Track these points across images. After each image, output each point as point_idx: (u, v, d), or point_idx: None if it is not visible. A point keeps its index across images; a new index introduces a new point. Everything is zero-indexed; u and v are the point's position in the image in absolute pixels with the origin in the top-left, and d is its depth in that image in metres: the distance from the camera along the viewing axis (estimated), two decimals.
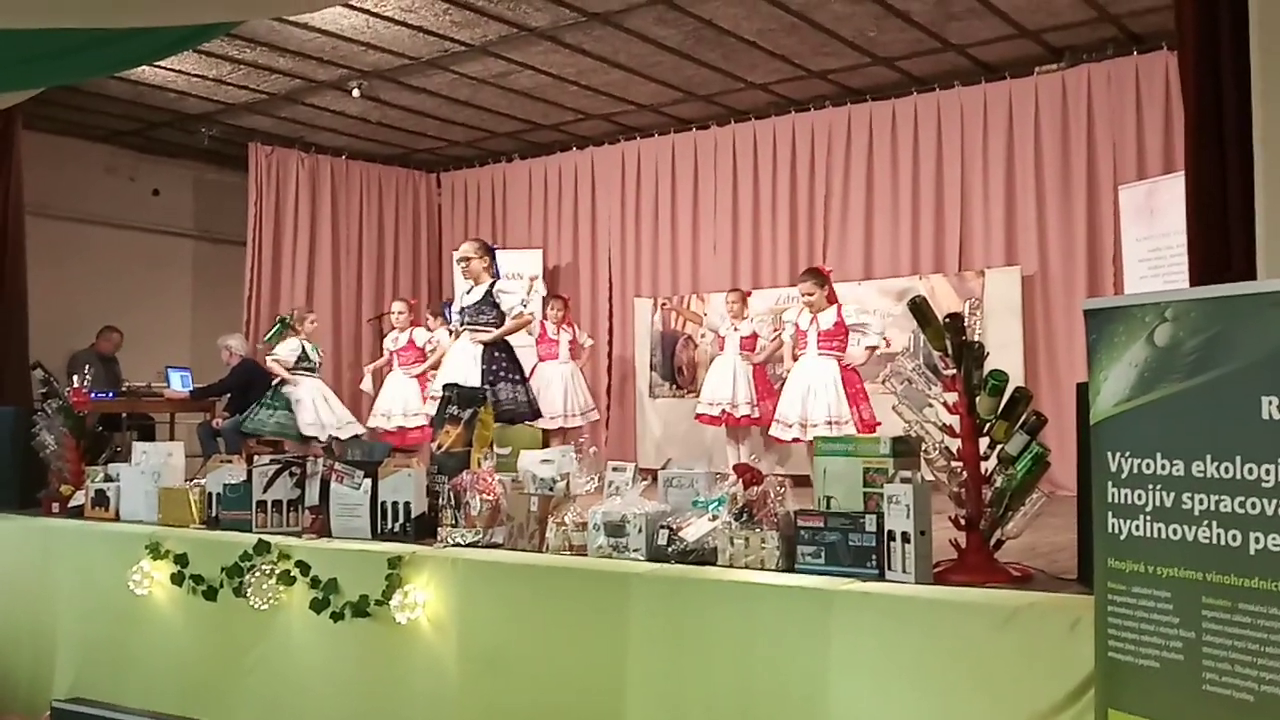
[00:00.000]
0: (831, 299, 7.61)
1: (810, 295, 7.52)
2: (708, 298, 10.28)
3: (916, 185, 9.52)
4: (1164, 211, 7.58)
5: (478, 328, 6.76)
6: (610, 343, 11.03)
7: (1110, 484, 2.39)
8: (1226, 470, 2.17)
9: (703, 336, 10.13)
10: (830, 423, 7.13)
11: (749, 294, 9.25)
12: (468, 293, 6.93)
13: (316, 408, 8.83)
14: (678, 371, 10.44)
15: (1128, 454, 2.35)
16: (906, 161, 9.56)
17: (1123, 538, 2.37)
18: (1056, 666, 2.77)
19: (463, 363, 6.71)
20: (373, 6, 7.71)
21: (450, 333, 7.81)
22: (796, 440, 7.38)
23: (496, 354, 6.75)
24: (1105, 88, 8.67)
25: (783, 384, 7.96)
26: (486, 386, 6.48)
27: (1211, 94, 3.87)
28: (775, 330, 8.72)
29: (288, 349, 8.93)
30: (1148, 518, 2.31)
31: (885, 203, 9.66)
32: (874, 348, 7.49)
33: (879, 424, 7.05)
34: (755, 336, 8.79)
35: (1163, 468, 2.28)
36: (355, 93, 9.45)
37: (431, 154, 11.94)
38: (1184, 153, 4.11)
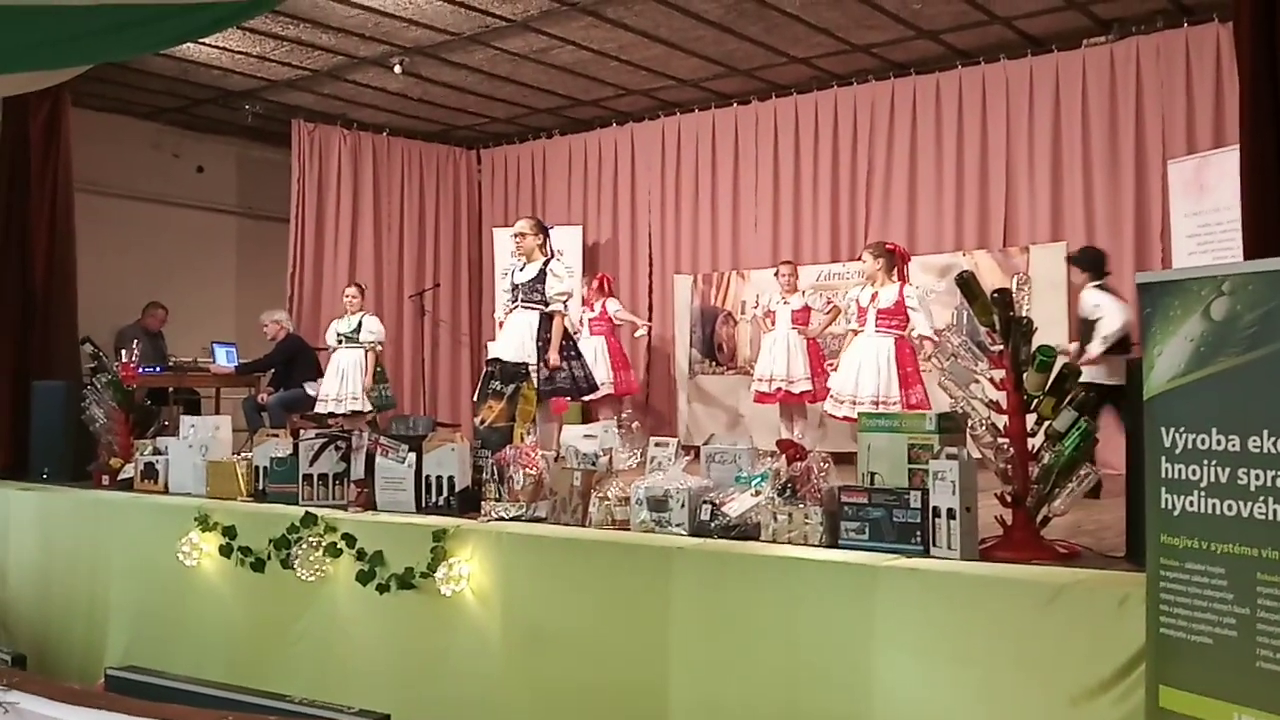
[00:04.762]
0: (894, 278, 7.44)
1: (865, 264, 7.40)
2: (748, 274, 10.24)
3: (961, 160, 9.40)
4: (1214, 187, 7.44)
5: (531, 305, 6.80)
6: (650, 319, 11.02)
7: (1164, 459, 2.37)
8: None
9: (743, 314, 10.09)
10: (876, 402, 7.02)
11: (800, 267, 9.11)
12: (520, 269, 6.96)
13: (339, 380, 9.04)
14: (717, 348, 10.41)
15: (1182, 429, 2.33)
16: (951, 136, 9.44)
17: (1176, 514, 2.34)
18: (1104, 644, 2.76)
19: (519, 336, 6.76)
20: None
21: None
22: (847, 419, 7.26)
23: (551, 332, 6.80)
24: (1154, 60, 8.51)
25: (837, 359, 7.85)
26: (540, 363, 6.54)
27: (1267, 66, 3.80)
28: (829, 302, 8.62)
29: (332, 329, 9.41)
30: (1202, 493, 2.29)
31: (929, 178, 9.54)
32: (927, 337, 7.25)
33: (930, 409, 6.91)
34: (808, 310, 8.62)
35: (1218, 443, 2.26)
36: (397, 69, 9.46)
37: (472, 130, 11.95)
38: (1239, 127, 4.03)
